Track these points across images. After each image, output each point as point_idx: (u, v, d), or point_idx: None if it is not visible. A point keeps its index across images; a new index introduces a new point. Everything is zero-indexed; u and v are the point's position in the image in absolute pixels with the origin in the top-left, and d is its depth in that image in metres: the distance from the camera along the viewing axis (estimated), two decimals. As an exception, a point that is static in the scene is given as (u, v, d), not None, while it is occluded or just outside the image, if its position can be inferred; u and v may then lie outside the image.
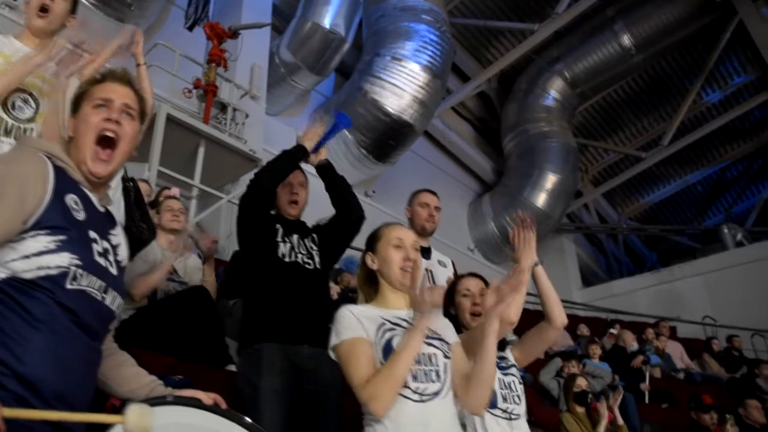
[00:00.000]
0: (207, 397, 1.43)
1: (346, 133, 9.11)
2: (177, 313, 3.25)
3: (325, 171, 2.78)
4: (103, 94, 1.48)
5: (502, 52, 12.15)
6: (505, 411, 2.19)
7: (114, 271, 1.42)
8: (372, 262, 1.94)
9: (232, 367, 3.46)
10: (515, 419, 2.23)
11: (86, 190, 1.44)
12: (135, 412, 1.14)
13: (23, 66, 2.13)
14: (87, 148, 1.43)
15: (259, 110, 7.91)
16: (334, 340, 1.79)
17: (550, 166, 11.64)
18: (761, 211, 14.24)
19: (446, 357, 1.80)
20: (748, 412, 5.45)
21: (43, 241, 1.28)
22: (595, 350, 6.33)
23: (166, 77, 6.45)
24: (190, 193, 6.26)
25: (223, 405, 1.43)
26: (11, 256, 1.25)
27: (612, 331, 8.09)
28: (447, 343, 1.85)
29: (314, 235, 2.80)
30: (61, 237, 1.29)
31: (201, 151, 6.28)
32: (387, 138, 9.21)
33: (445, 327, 1.94)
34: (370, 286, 1.97)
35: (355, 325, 1.77)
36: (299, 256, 2.64)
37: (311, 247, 2.73)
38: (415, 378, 1.70)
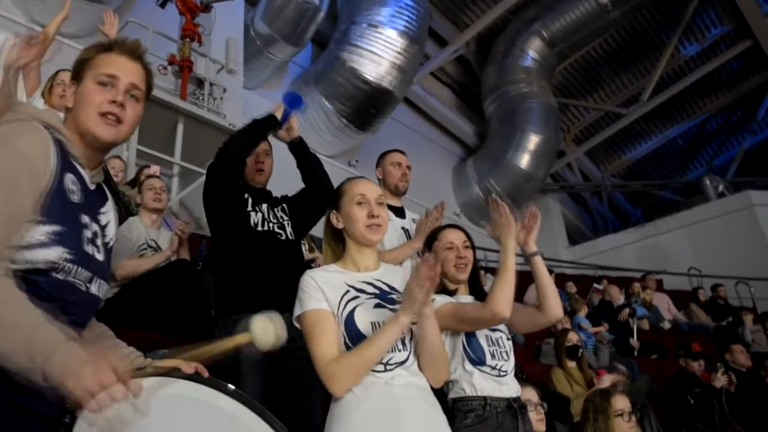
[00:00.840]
0: (188, 366, 1.38)
1: (326, 103, 9.04)
2: (162, 289, 3.23)
3: (298, 148, 2.76)
4: (110, 69, 1.36)
5: (479, 15, 12.04)
6: (493, 368, 2.19)
7: (101, 257, 1.37)
8: (337, 221, 1.87)
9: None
10: (503, 375, 2.24)
11: (80, 167, 1.35)
12: (259, 323, 1.10)
13: None
14: (88, 120, 1.33)
15: (237, 84, 7.81)
16: (297, 310, 1.75)
17: (532, 127, 11.66)
18: (741, 162, 14.37)
19: (413, 323, 1.72)
20: (734, 357, 5.59)
21: (36, 232, 1.20)
22: (579, 306, 6.39)
23: (139, 54, 6.33)
24: (171, 170, 6.20)
25: (205, 374, 1.39)
26: None
27: (597, 286, 8.19)
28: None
29: (284, 206, 2.79)
30: (56, 228, 1.22)
31: (180, 127, 6.20)
32: (367, 106, 9.17)
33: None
34: (336, 245, 1.90)
35: (318, 294, 1.72)
36: (271, 224, 2.64)
37: (282, 217, 2.72)
38: None
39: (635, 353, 6.25)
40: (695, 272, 10.54)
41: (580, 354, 4.28)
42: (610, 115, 14.29)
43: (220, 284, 2.62)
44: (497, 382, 2.18)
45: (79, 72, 1.38)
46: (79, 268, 1.27)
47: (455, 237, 2.36)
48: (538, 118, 11.74)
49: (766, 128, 15.18)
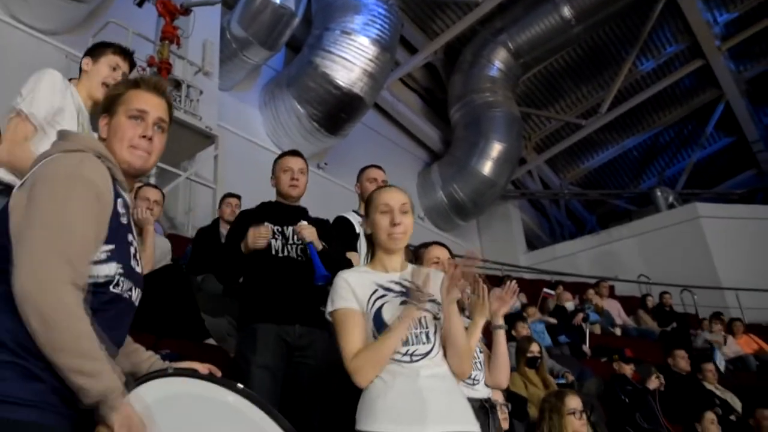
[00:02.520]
0: (203, 368, 1.53)
1: (298, 106, 9.23)
2: (153, 292, 3.40)
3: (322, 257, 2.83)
4: (140, 104, 1.51)
5: (448, 24, 12.35)
6: (469, 377, 2.42)
7: (139, 269, 1.53)
8: (367, 228, 2.05)
9: (211, 341, 3.68)
10: (476, 384, 2.55)
11: (124, 192, 1.48)
12: None
13: None
14: (123, 150, 1.48)
15: (213, 86, 7.94)
16: (329, 307, 1.93)
17: (496, 135, 11.99)
18: (690, 174, 15.12)
19: (436, 318, 1.92)
20: (675, 361, 6.00)
21: (97, 250, 1.34)
22: (531, 312, 6.75)
23: (118, 56, 6.42)
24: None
25: (219, 374, 1.56)
26: None
27: (547, 290, 8.47)
28: (438, 303, 1.94)
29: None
30: (111, 246, 1.36)
31: (157, 129, 6.29)
32: (338, 111, 9.36)
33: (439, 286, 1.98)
34: (370, 249, 2.09)
35: (348, 295, 1.90)
36: (293, 248, 2.79)
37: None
38: (405, 342, 1.84)
39: (587, 357, 6.65)
40: (645, 279, 11.05)
41: (538, 364, 4.59)
42: (570, 126, 14.82)
43: (242, 300, 2.82)
44: (471, 388, 2.47)
45: (110, 107, 1.53)
46: (128, 281, 1.43)
47: (441, 253, 2.52)
48: (501, 126, 12.07)
49: (714, 142, 15.97)
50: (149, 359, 1.61)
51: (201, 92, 7.22)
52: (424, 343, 1.87)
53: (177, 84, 6.98)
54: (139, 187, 3.81)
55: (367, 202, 2.07)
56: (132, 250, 1.48)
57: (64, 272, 1.22)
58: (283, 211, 2.92)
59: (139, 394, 1.38)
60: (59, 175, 1.32)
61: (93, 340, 1.23)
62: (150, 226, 3.53)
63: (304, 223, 2.76)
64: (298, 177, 2.90)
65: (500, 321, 2.58)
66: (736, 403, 5.78)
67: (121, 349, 1.59)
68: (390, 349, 1.80)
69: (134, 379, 1.43)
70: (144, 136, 1.50)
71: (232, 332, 3.75)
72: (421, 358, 1.85)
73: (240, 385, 1.54)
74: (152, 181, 6.38)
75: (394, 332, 1.81)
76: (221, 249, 2.93)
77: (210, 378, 1.53)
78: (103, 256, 1.35)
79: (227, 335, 3.75)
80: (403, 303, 1.89)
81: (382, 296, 1.91)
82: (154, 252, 3.59)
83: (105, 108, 1.55)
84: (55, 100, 2.24)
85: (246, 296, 2.80)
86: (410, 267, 2.06)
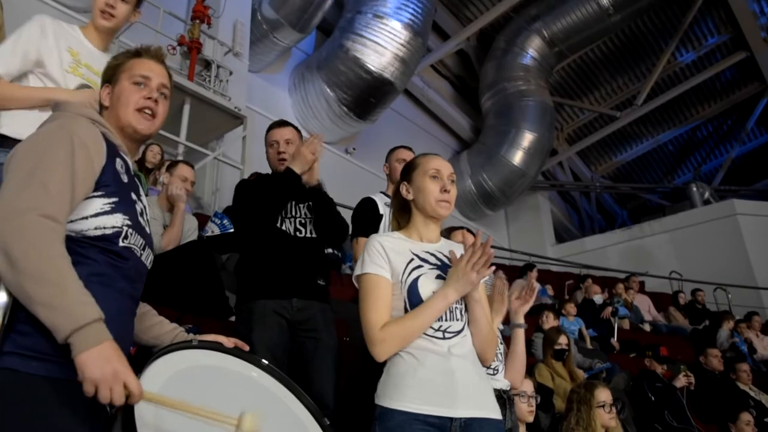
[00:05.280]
0: (228, 341, 1.53)
1: (327, 90, 9.16)
2: (178, 268, 3.38)
3: (315, 193, 2.75)
4: (142, 71, 1.55)
5: (482, 11, 12.18)
6: (488, 367, 2.35)
7: (148, 230, 1.53)
8: (407, 192, 1.91)
9: (233, 319, 3.65)
10: (496, 374, 2.49)
11: (124, 155, 1.51)
12: (249, 419, 1.28)
13: (48, 95, 2.10)
14: (127, 115, 1.51)
15: (242, 67, 7.90)
16: (358, 270, 1.82)
17: (527, 125, 11.82)
18: (728, 170, 14.69)
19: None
20: (708, 360, 5.83)
21: (98, 203, 1.36)
22: (570, 309, 6.57)
23: (149, 34, 6.42)
24: (176, 150, 6.31)
25: (246, 348, 1.55)
26: (71, 217, 1.32)
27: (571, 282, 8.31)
28: None
29: (310, 204, 2.78)
30: (114, 199, 1.38)
31: (186, 108, 6.31)
32: (368, 95, 9.29)
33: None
34: (402, 216, 1.96)
35: (381, 261, 1.79)
36: (291, 222, 2.69)
37: (306, 214, 2.75)
38: (439, 318, 1.73)
39: (615, 351, 6.50)
40: (676, 276, 10.82)
41: (565, 357, 4.48)
42: (604, 117, 14.52)
43: (239, 274, 2.76)
44: (492, 378, 2.41)
45: (112, 76, 1.56)
46: (137, 235, 1.44)
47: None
48: (533, 116, 11.90)
49: (754, 138, 15.50)
50: (173, 331, 1.61)
51: (231, 73, 7.21)
52: (457, 320, 1.77)
53: (206, 64, 6.97)
54: (175, 164, 3.79)
55: (411, 167, 1.95)
56: (138, 208, 1.48)
57: (31, 203, 1.21)
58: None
59: (163, 365, 1.35)
60: (40, 133, 1.37)
61: (58, 267, 1.18)
62: (182, 204, 3.52)
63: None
64: (284, 149, 2.75)
65: (521, 320, 2.54)
66: (772, 405, 5.59)
67: (145, 321, 1.60)
68: (424, 326, 1.71)
69: (156, 351, 1.39)
70: (149, 98, 1.53)
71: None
72: (454, 336, 1.75)
73: (265, 361, 1.56)
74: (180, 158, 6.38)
75: (433, 309, 1.71)
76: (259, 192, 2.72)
77: (235, 352, 1.53)
78: (107, 207, 1.36)
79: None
80: (438, 278, 1.79)
81: (419, 267, 1.80)
82: (182, 229, 3.58)
83: (107, 78, 1.58)
84: (29, 51, 2.14)
85: (242, 273, 2.72)
86: (444, 241, 1.95)
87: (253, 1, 8.46)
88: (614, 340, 6.60)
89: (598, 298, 7.63)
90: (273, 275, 2.58)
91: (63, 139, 1.32)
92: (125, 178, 1.46)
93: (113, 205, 1.38)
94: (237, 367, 1.51)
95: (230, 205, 5.06)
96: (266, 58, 8.95)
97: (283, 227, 2.68)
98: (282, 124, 2.88)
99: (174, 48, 6.54)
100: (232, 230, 4.45)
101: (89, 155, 1.34)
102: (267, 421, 1.37)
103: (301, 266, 2.61)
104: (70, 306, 1.16)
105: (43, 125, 1.42)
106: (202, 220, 4.91)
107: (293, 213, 2.73)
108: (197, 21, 6.71)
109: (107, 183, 1.38)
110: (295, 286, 2.59)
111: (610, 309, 6.95)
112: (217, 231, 4.44)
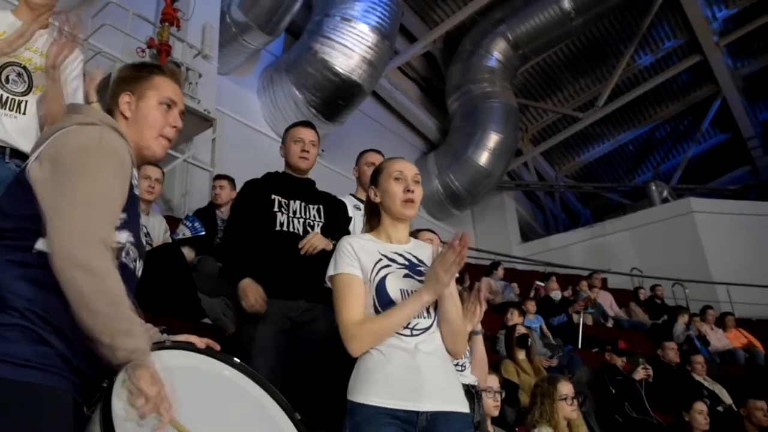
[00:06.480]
0: (200, 341, 1.55)
1: (296, 92, 9.22)
2: (150, 270, 3.43)
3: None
4: (171, 93, 1.54)
5: (448, 14, 12.34)
6: (456, 364, 2.45)
7: (144, 241, 1.57)
8: (375, 196, 2.00)
9: (207, 320, 3.72)
10: (463, 370, 2.63)
11: (134, 167, 1.51)
12: None
13: None
14: (151, 139, 1.51)
15: (212, 70, 7.90)
16: (330, 271, 1.90)
17: (493, 126, 11.99)
18: (685, 170, 15.21)
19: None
20: (665, 353, 6.09)
21: None
22: (530, 307, 6.77)
23: (119, 36, 6.39)
24: (145, 153, 6.29)
25: (217, 348, 1.56)
26: None
27: (539, 283, 8.56)
28: None
29: (320, 207, 2.81)
30: (125, 215, 1.38)
31: (156, 112, 6.28)
32: (336, 98, 9.35)
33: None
34: (372, 218, 2.04)
35: (352, 260, 1.87)
36: (299, 222, 2.73)
37: (315, 216, 2.78)
38: None
39: (579, 345, 6.73)
40: (637, 272, 11.16)
41: (529, 343, 4.65)
42: (567, 118, 14.84)
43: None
44: (459, 374, 2.50)
45: (136, 87, 1.52)
46: (136, 250, 1.46)
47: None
48: (498, 117, 12.06)
49: (709, 138, 16.04)
50: (147, 331, 1.58)
51: (200, 75, 7.19)
52: (425, 317, 1.85)
53: (176, 66, 6.96)
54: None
55: (377, 171, 2.05)
56: (141, 221, 1.55)
57: (102, 234, 1.25)
58: (290, 183, 2.85)
59: None
60: (85, 146, 1.33)
61: (126, 299, 1.26)
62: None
63: (312, 236, 2.67)
64: (309, 149, 2.82)
65: (478, 326, 2.68)
66: (724, 395, 5.87)
67: None
68: (398, 325, 1.80)
69: None
70: (174, 126, 1.53)
71: (227, 312, 3.79)
72: (421, 333, 1.83)
73: (237, 360, 1.59)
74: (149, 163, 6.37)
75: (407, 309, 1.80)
76: (227, 231, 2.87)
77: (207, 352, 1.55)
78: (119, 223, 1.36)
79: (223, 315, 3.78)
80: (406, 276, 1.89)
81: (386, 266, 1.89)
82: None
83: (128, 86, 1.53)
84: None
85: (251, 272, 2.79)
86: (413, 241, 2.05)
87: (222, 4, 8.46)
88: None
89: (556, 294, 7.87)
90: (282, 276, 2.62)
91: (109, 158, 1.34)
92: (137, 191, 1.50)
93: (123, 222, 1.38)
94: (210, 367, 1.54)
95: (200, 208, 5.14)
96: (235, 61, 8.95)
97: (292, 228, 2.71)
98: (308, 125, 2.95)
99: (143, 50, 6.52)
100: (203, 233, 4.51)
101: (126, 174, 1.38)
102: (240, 419, 1.43)
103: (308, 268, 2.63)
104: (137, 333, 1.25)
105: (73, 133, 1.36)
106: (173, 223, 4.96)
107: (303, 214, 2.76)
108: (166, 24, 6.69)
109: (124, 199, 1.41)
110: (303, 288, 2.63)
111: (582, 302, 7.21)
112: (188, 234, 4.50)
